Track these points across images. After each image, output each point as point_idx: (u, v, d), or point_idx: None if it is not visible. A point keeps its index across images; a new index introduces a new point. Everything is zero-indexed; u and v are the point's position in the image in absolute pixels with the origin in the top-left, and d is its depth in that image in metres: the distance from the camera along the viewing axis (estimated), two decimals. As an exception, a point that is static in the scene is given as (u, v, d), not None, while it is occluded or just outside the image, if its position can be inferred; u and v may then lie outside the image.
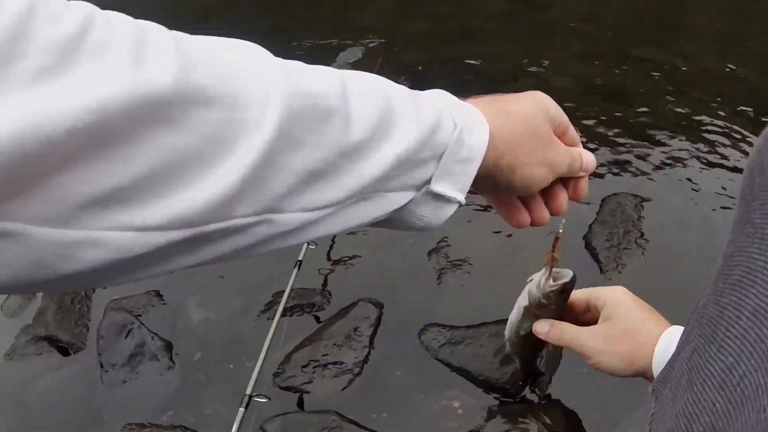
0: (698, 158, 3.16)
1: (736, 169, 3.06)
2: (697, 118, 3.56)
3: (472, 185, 0.65)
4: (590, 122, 3.49)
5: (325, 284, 2.44)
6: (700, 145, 3.27)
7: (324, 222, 0.53)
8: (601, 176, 2.99)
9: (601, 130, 3.42)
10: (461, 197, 0.63)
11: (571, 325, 1.12)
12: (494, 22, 5.11)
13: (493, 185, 0.69)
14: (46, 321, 2.46)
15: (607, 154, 3.18)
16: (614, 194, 2.81)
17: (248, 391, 1.64)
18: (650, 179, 2.99)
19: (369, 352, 2.16)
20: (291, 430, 1.93)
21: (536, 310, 1.16)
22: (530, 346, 1.29)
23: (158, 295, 2.52)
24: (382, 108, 0.54)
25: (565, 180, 0.80)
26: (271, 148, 0.44)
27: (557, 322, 1.14)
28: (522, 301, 1.21)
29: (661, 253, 2.51)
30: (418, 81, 4.35)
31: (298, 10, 6.00)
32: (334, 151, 0.50)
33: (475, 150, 0.61)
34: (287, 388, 2.08)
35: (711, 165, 3.11)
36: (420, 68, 4.54)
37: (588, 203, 2.75)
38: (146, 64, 0.38)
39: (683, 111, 3.66)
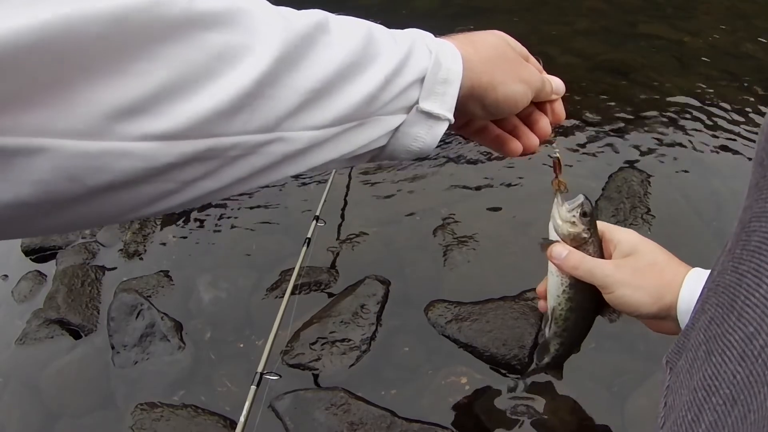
0: (705, 133, 3.15)
1: (743, 144, 3.05)
2: (703, 94, 3.54)
3: (464, 113, 0.76)
4: (596, 98, 3.48)
5: (333, 262, 2.45)
6: (707, 121, 3.25)
7: (331, 143, 0.60)
8: (606, 152, 2.99)
9: (607, 106, 3.41)
10: (449, 115, 0.71)
11: (591, 256, 1.07)
12: (500, -2, 5.09)
13: (481, 105, 0.77)
14: (57, 304, 2.49)
15: (613, 129, 3.17)
16: (620, 170, 2.81)
17: (259, 368, 1.65)
18: (656, 155, 2.98)
19: (376, 329, 2.18)
20: (300, 407, 1.95)
21: (571, 243, 1.10)
22: (580, 312, 1.15)
23: (167, 275, 2.54)
24: (365, 35, 0.61)
25: (541, 106, 0.92)
26: (273, 68, 0.50)
27: (575, 250, 1.08)
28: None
29: (668, 228, 2.50)
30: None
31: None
32: (330, 72, 0.56)
33: (453, 71, 0.70)
34: (296, 366, 2.10)
35: (718, 140, 3.10)
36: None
37: (594, 179, 2.76)
38: None
39: (690, 87, 3.63)
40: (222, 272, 2.51)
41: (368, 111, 0.62)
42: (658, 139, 3.11)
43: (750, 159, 2.89)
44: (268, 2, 0.54)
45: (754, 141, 3.06)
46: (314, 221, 2.13)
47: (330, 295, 2.34)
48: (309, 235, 2.08)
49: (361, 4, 5.39)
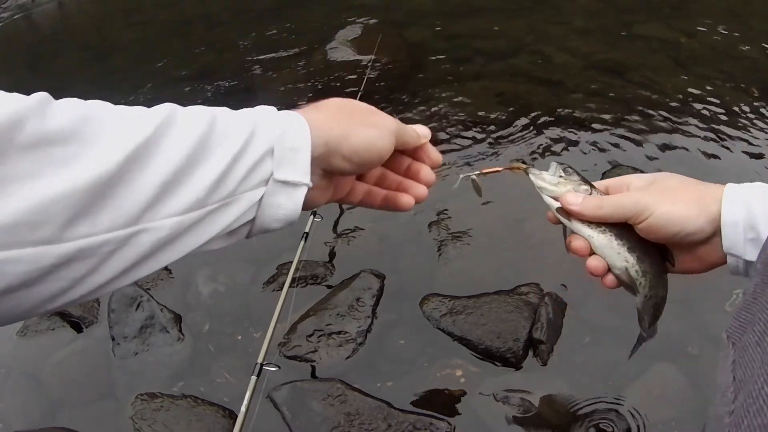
0: (699, 133, 3.19)
1: (736, 144, 3.10)
2: (698, 93, 3.58)
3: (332, 172, 0.81)
4: (591, 97, 3.52)
5: (329, 256, 2.49)
6: (701, 120, 3.29)
7: (198, 227, 0.66)
8: (599, 150, 3.03)
9: (602, 104, 3.45)
10: (305, 179, 0.74)
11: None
12: (497, -2, 5.13)
13: (341, 157, 0.79)
14: (58, 297, 2.52)
15: (607, 128, 3.21)
16: (614, 168, 2.85)
17: (259, 359, 1.68)
18: (649, 152, 3.03)
19: (372, 322, 2.21)
20: (297, 398, 1.98)
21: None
22: (651, 259, 1.01)
23: (167, 269, 2.57)
24: (209, 122, 0.67)
25: (416, 155, 0.94)
26: (120, 168, 0.57)
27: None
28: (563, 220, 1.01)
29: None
30: (418, 56, 4.38)
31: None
32: (178, 162, 0.62)
33: (300, 137, 0.74)
34: (293, 357, 2.13)
35: (712, 140, 3.14)
36: (421, 45, 4.56)
37: (587, 176, 2.78)
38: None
39: (685, 87, 3.67)
40: (221, 266, 2.55)
41: (224, 191, 0.67)
42: (651, 138, 3.15)
43: (744, 155, 2.95)
44: (120, 107, 0.62)
45: (747, 141, 3.12)
46: (312, 216, 2.16)
47: (327, 288, 2.38)
48: (306, 230, 2.12)
49: (361, 4, 5.44)
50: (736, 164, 2.96)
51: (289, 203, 0.74)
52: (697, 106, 3.45)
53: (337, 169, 0.80)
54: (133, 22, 7.98)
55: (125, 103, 0.65)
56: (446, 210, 2.62)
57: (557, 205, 0.99)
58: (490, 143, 3.17)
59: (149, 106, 0.65)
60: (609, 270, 0.99)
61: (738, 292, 2.14)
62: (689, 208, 0.88)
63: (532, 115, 3.34)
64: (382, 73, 4.00)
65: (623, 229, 0.96)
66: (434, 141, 0.95)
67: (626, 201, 0.93)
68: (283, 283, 1.96)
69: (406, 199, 0.92)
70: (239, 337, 2.28)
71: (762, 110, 3.42)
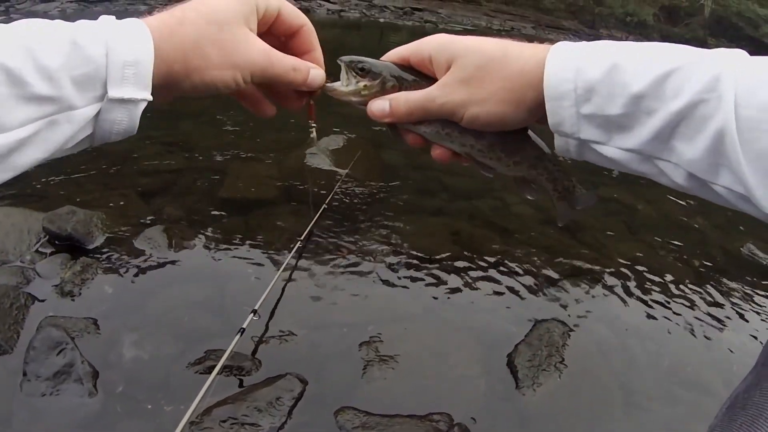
0: (634, 298, 3.41)
1: (666, 312, 3.31)
2: (643, 262, 3.81)
3: (170, 91, 0.78)
4: (540, 250, 3.70)
5: (258, 353, 2.53)
6: (638, 287, 3.51)
7: (33, 142, 0.67)
8: (537, 302, 3.18)
9: (548, 258, 3.63)
10: (146, 94, 0.72)
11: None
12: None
13: (181, 89, 0.77)
14: (-21, 321, 2.50)
15: (548, 282, 3.38)
16: (545, 320, 2.99)
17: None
18: (584, 311, 3.20)
19: (286, 421, 2.23)
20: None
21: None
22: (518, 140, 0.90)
23: (96, 323, 2.58)
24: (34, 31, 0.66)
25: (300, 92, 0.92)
26: None
27: (395, 94, 0.87)
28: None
29: (577, 378, 2.68)
30: (388, 179, 4.52)
31: None
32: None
33: (142, 54, 0.70)
34: (201, 439, 2.14)
35: (644, 306, 3.36)
36: (394, 170, 4.70)
37: (518, 325, 2.93)
38: None
39: (632, 253, 3.90)
40: (148, 334, 2.56)
41: (56, 109, 0.66)
42: (589, 296, 3.33)
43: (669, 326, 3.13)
44: None
45: (677, 312, 3.31)
46: (251, 314, 2.22)
47: (246, 383, 2.40)
48: (244, 326, 2.18)
49: (349, 113, 5.60)
50: (660, 330, 3.16)
51: (127, 119, 0.72)
52: (639, 273, 3.67)
53: (182, 89, 0.78)
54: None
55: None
56: (380, 334, 2.71)
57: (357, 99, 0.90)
58: (434, 277, 3.30)
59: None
60: (456, 153, 0.90)
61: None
62: (504, 105, 0.78)
63: (480, 259, 3.51)
64: (350, 190, 4.10)
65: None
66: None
67: (432, 107, 0.82)
68: (209, 367, 1.99)
69: (266, 109, 0.94)
70: (149, 407, 2.27)
71: (700, 286, 3.64)
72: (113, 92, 0.69)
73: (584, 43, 0.77)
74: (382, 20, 20.78)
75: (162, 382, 2.37)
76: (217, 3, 0.78)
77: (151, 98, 0.72)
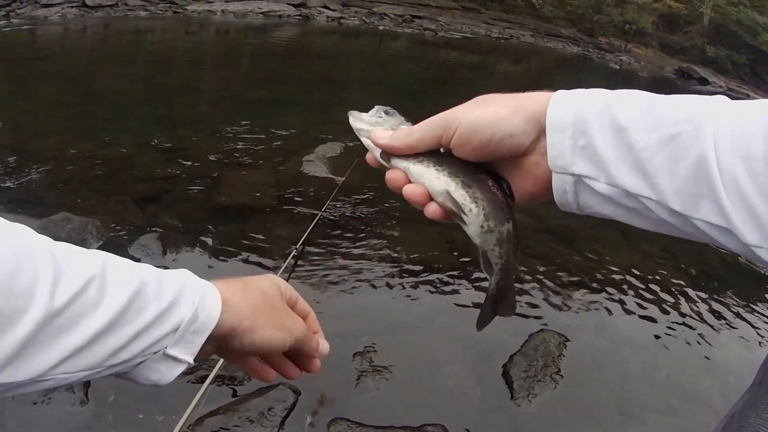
0: (629, 307, 3.39)
1: (661, 321, 3.31)
2: (639, 270, 3.79)
3: (223, 346, 0.83)
4: (536, 259, 3.69)
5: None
6: (635, 296, 3.50)
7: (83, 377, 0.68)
8: (533, 312, 3.16)
9: (545, 267, 3.62)
10: (190, 359, 0.76)
11: None
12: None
13: (239, 343, 0.83)
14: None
15: (544, 292, 3.37)
16: (541, 330, 2.97)
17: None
18: (579, 321, 3.18)
19: (277, 432, 2.22)
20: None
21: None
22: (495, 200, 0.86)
23: (89, 330, 2.56)
24: (136, 289, 0.70)
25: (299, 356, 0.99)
26: (38, 329, 0.60)
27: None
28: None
29: (572, 389, 2.66)
30: (387, 187, 4.52)
31: None
32: (96, 330, 0.65)
33: (207, 323, 0.76)
34: (192, 449, 2.12)
35: (639, 315, 3.35)
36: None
37: (515, 336, 2.91)
38: None
39: (628, 262, 3.89)
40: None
41: (121, 357, 0.69)
42: (584, 306, 3.32)
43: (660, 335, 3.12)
44: (49, 254, 0.64)
45: (674, 322, 3.30)
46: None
47: (239, 392, 2.39)
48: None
49: (346, 121, 5.59)
50: (655, 340, 3.14)
51: (167, 373, 0.76)
52: (635, 282, 3.67)
53: (229, 348, 0.84)
54: (124, 74, 8.10)
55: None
56: (374, 344, 2.69)
57: (378, 148, 0.90)
58: (429, 287, 3.29)
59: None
60: (431, 199, 0.86)
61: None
62: (502, 109, 0.78)
63: (476, 269, 3.48)
64: (348, 197, 4.10)
65: (444, 156, 0.86)
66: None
67: (435, 119, 0.82)
68: (201, 377, 1.98)
69: (268, 375, 0.96)
70: (141, 416, 2.26)
71: (697, 295, 3.64)
72: (171, 350, 0.74)
73: (583, 89, 0.78)
74: (381, 27, 20.81)
75: (154, 391, 2.36)
76: (262, 281, 0.92)
77: (193, 363, 0.77)
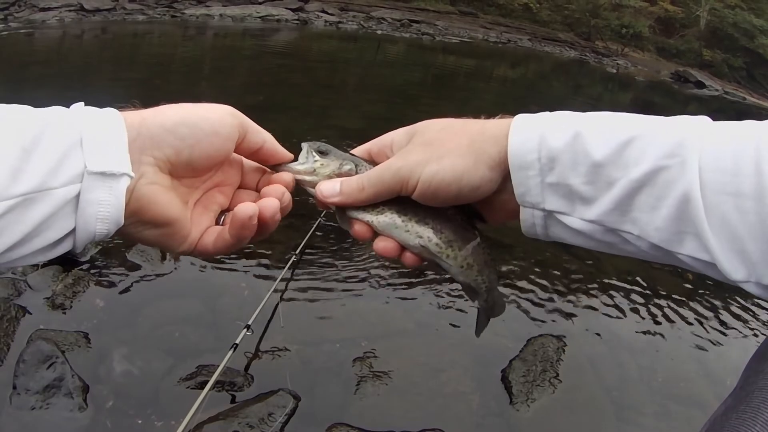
0: (627, 311, 3.41)
1: (659, 325, 3.33)
2: (637, 274, 3.81)
3: (172, 162, 0.71)
4: (535, 264, 3.70)
5: (251, 368, 2.52)
6: (633, 300, 3.52)
7: (9, 218, 0.60)
8: (531, 317, 3.17)
9: (543, 272, 3.62)
10: (125, 167, 0.65)
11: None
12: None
13: (165, 131, 0.70)
14: (-31, 332, 2.49)
15: (542, 296, 3.38)
16: (540, 335, 2.98)
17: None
18: (577, 325, 3.19)
19: (277, 438, 2.23)
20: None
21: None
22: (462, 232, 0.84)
23: (86, 337, 2.56)
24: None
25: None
26: None
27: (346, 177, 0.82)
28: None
29: (570, 393, 2.68)
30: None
31: None
32: None
33: (110, 118, 0.66)
34: (193, 455, 2.12)
35: (637, 319, 3.37)
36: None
37: (514, 341, 2.92)
38: None
39: (626, 266, 3.90)
40: (139, 349, 2.55)
41: (26, 183, 0.60)
42: (583, 311, 3.33)
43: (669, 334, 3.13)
44: None
45: (671, 326, 3.31)
46: (245, 329, 2.21)
47: (238, 398, 2.39)
48: (237, 341, 2.17)
49: (342, 125, 5.63)
50: (652, 344, 3.16)
51: (111, 198, 0.65)
52: (633, 286, 3.67)
53: (167, 151, 0.70)
54: (121, 78, 8.11)
55: None
56: (374, 349, 2.71)
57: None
58: (428, 292, 3.29)
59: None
60: (403, 249, 0.82)
61: None
62: (462, 159, 0.73)
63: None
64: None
65: (405, 201, 0.80)
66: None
67: (386, 175, 0.77)
68: (201, 383, 1.98)
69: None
70: (139, 422, 2.26)
71: (695, 299, 3.65)
72: (92, 165, 0.63)
73: (546, 113, 0.74)
74: (379, 32, 20.81)
75: (153, 397, 2.36)
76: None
77: (132, 174, 0.66)
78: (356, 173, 0.83)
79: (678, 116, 0.69)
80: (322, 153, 0.85)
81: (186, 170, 0.74)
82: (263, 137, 0.82)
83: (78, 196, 0.63)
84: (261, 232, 0.76)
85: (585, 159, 0.68)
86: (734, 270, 0.63)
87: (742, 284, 0.64)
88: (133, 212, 0.69)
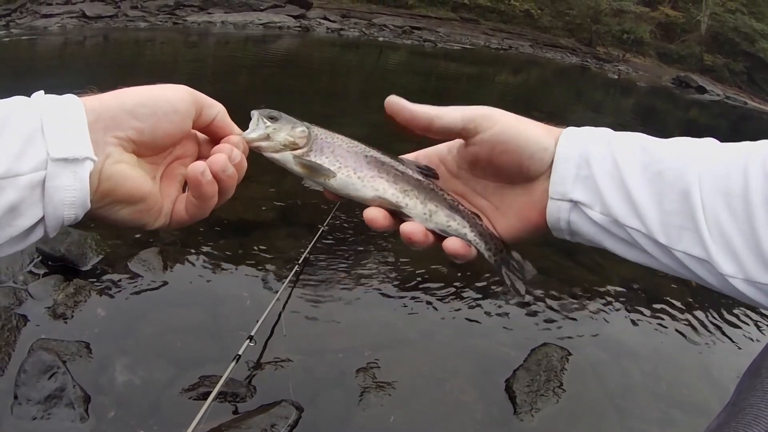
0: (631, 319, 3.40)
1: (662, 333, 3.32)
2: (639, 281, 3.81)
3: (134, 141, 0.72)
4: (539, 273, 3.66)
5: (253, 379, 2.51)
6: (636, 308, 3.51)
7: None
8: (535, 326, 3.16)
9: (547, 281, 3.61)
10: (86, 152, 0.66)
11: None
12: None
13: (126, 113, 0.71)
14: (-30, 342, 2.48)
15: (546, 305, 3.36)
16: (544, 344, 2.96)
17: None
18: (581, 333, 3.17)
19: (280, 449, 2.21)
20: None
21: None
22: None
23: (88, 347, 2.55)
24: None
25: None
26: None
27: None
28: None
29: (574, 402, 2.67)
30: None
31: None
32: None
33: (71, 105, 0.67)
34: (194, 466, 2.11)
35: (641, 326, 3.36)
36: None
37: (517, 350, 2.91)
38: None
39: (630, 275, 3.88)
40: (141, 359, 2.53)
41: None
42: (586, 319, 3.32)
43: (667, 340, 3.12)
44: None
45: (675, 334, 3.30)
46: (248, 340, 2.20)
47: (241, 409, 2.38)
48: (240, 353, 2.15)
49: (350, 133, 5.63)
50: (656, 351, 3.15)
51: (76, 182, 0.65)
52: (636, 294, 3.66)
53: (129, 131, 0.72)
54: (121, 85, 8.09)
55: None
56: (377, 359, 2.69)
57: (289, 156, 0.83)
58: (431, 301, 3.29)
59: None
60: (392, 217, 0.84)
61: None
62: (537, 127, 0.79)
63: (479, 283, 3.49)
64: (350, 211, 4.05)
65: (360, 162, 0.84)
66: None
67: (465, 109, 0.80)
68: (203, 394, 1.97)
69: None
70: (141, 432, 2.25)
71: (698, 306, 3.63)
72: (54, 151, 0.64)
73: (591, 128, 0.81)
74: (381, 39, 20.87)
75: (155, 407, 2.35)
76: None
77: (95, 158, 0.67)
78: (308, 135, 0.84)
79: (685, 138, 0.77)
80: (272, 119, 0.85)
81: (149, 148, 0.76)
82: (216, 110, 0.83)
83: (44, 182, 0.64)
84: (223, 189, 0.78)
85: (609, 158, 0.77)
86: (724, 263, 0.69)
87: (730, 279, 0.70)
88: (106, 193, 0.71)
